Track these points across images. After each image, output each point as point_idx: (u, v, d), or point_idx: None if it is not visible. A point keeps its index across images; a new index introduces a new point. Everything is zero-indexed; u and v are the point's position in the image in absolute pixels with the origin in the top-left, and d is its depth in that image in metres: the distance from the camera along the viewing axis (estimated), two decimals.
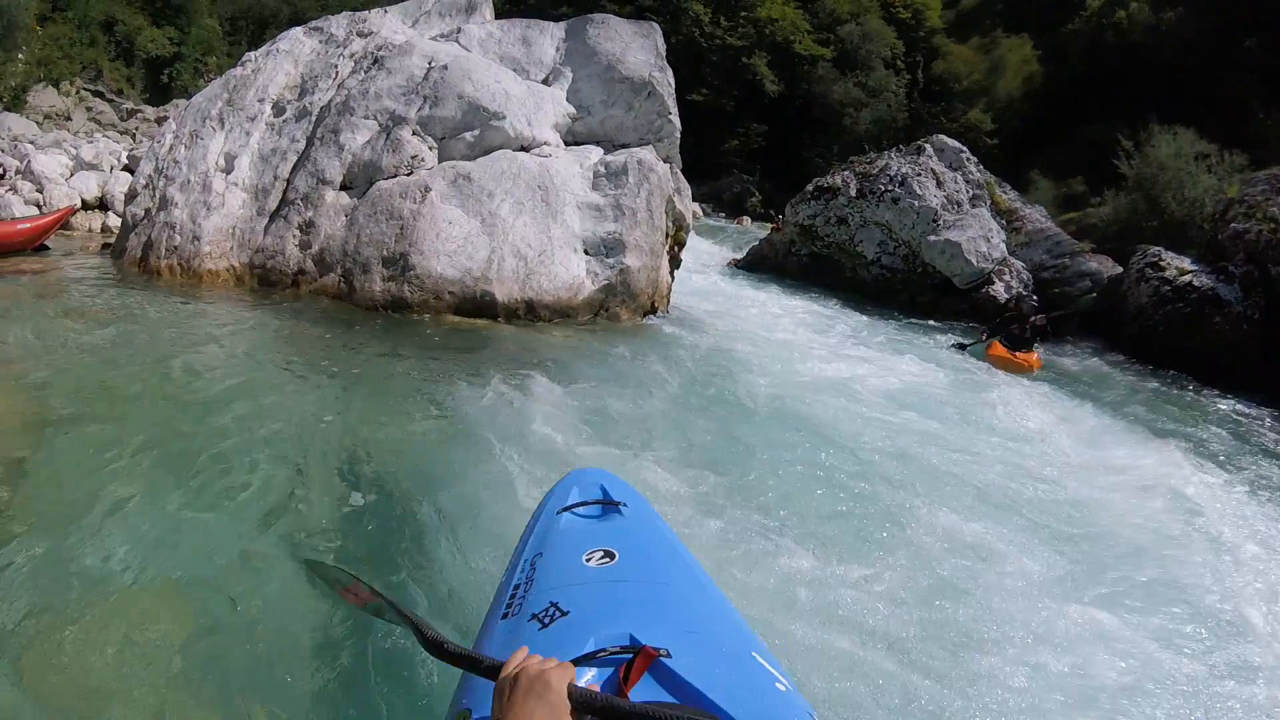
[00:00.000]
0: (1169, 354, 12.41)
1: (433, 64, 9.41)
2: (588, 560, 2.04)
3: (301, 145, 9.67)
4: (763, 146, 35.63)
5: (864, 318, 12.68)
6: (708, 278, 14.42)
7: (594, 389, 6.23)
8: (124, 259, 9.94)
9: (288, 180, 9.49)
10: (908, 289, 15.20)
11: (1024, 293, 14.15)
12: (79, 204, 14.97)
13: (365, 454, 4.75)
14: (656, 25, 10.42)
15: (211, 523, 3.80)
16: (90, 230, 14.75)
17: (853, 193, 15.79)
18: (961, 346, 11.27)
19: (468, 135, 9.05)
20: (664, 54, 10.09)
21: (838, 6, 36.89)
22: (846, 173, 16.38)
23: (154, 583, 3.28)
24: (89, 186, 15.71)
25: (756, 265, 17.50)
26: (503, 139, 9.09)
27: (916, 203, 14.90)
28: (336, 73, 10.26)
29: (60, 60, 30.55)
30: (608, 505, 2.47)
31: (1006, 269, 14.89)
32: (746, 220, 30.23)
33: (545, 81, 10.03)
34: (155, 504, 3.88)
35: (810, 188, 16.79)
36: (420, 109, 9.09)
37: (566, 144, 9.70)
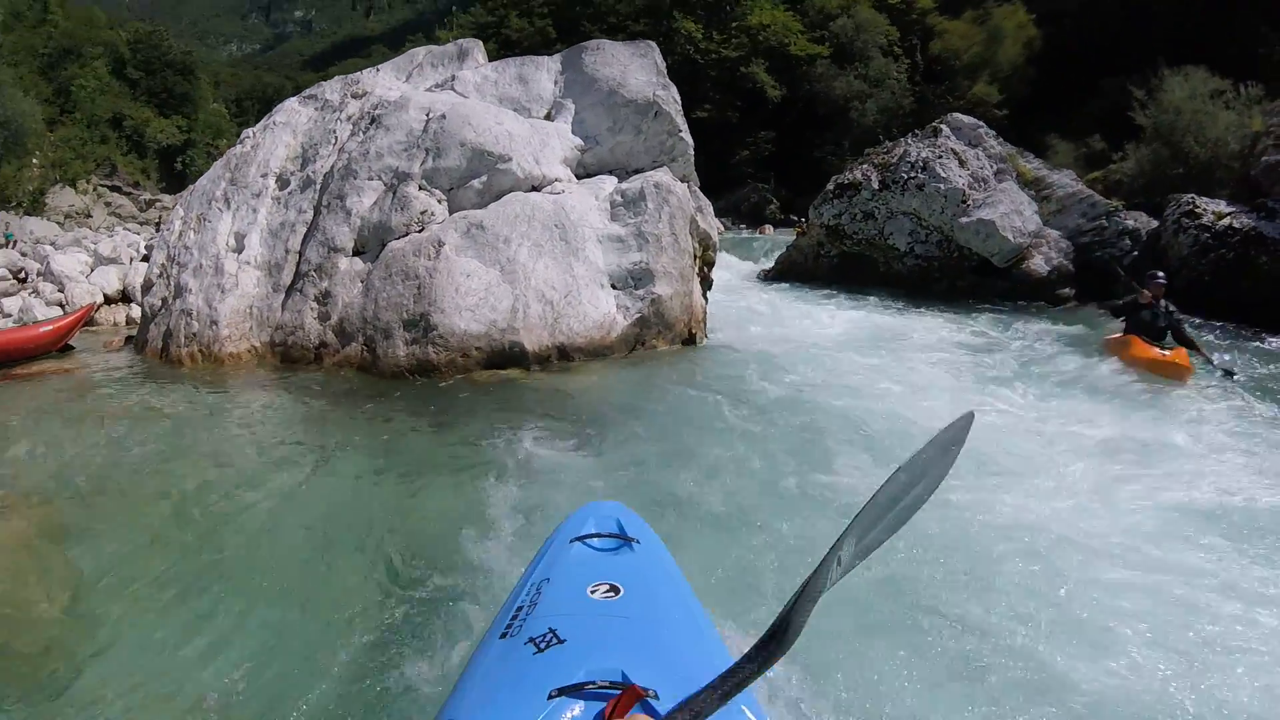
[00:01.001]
0: (1220, 303, 11.66)
1: (430, 115, 9.01)
2: (592, 592, 2.02)
3: (309, 215, 9.32)
4: (773, 152, 35.10)
5: (914, 314, 12.00)
6: (740, 293, 13.85)
7: (636, 443, 5.72)
8: (146, 351, 9.66)
9: (300, 252, 9.13)
10: (946, 275, 14.55)
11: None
12: (100, 300, 14.82)
13: (399, 539, 4.33)
14: (653, 44, 9.97)
15: (246, 625, 3.50)
16: (115, 324, 14.56)
17: (875, 185, 15.23)
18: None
19: (475, 182, 8.61)
20: (665, 71, 9.63)
21: (827, 2, 36.33)
22: (866, 166, 15.83)
23: (185, 691, 3.07)
24: (109, 280, 15.55)
25: (786, 273, 16.93)
26: (512, 181, 8.64)
27: (942, 186, 14.29)
28: (336, 138, 9.92)
29: (74, 160, 31.00)
30: (621, 539, 2.42)
31: (1043, 240, 14.26)
32: (769, 229, 29.65)
33: (548, 117, 9.59)
34: (185, 612, 3.63)
35: (831, 186, 16.24)
36: (424, 162, 8.67)
37: (578, 177, 9.24)
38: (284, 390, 7.57)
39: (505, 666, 1.71)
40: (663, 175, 8.93)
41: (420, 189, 8.58)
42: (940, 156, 14.69)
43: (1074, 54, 28.39)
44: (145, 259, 16.31)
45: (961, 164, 14.61)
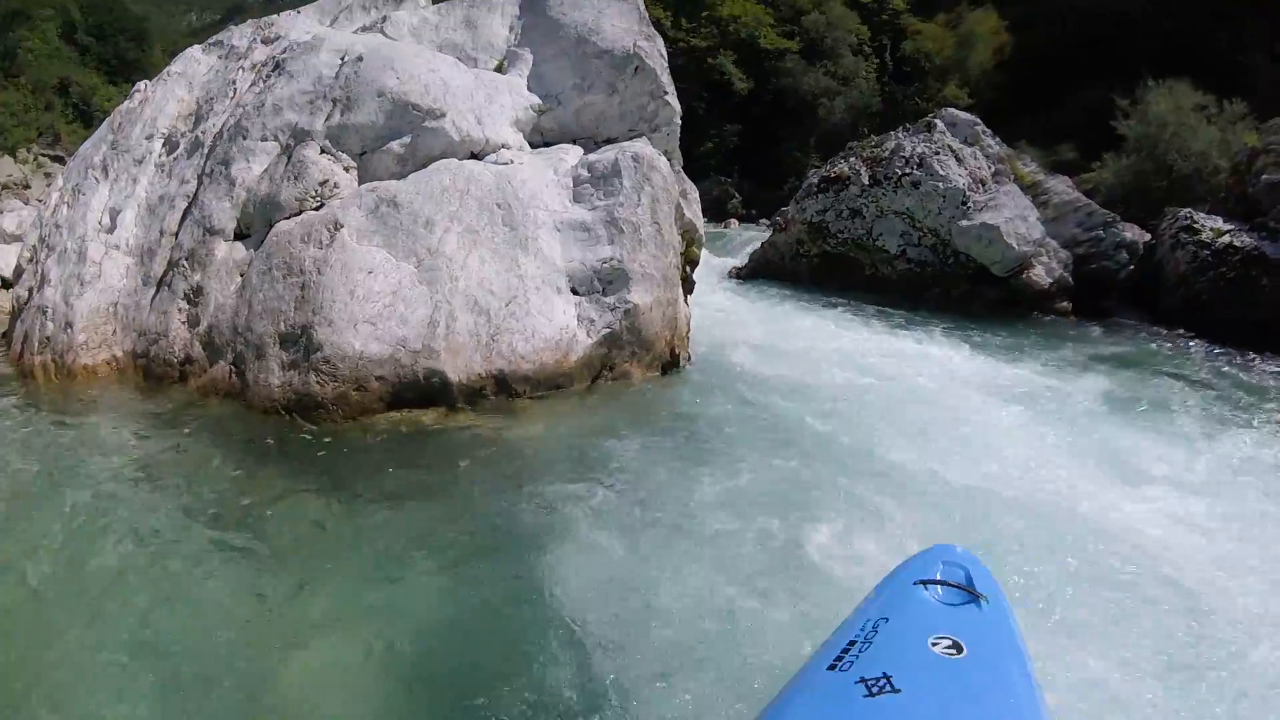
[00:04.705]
0: (1218, 323, 10.41)
1: (345, 58, 6.48)
2: (933, 645, 1.81)
3: (192, 186, 6.83)
4: (738, 146, 32.66)
5: (931, 330, 9.69)
6: (715, 295, 11.46)
7: (613, 566, 3.32)
8: (10, 354, 7.25)
9: (175, 234, 6.63)
10: (940, 282, 12.35)
11: None
12: None
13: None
14: None
15: None
16: (3, 311, 11.97)
17: (865, 181, 12.94)
18: None
19: (395, 145, 6.05)
20: (649, 20, 7.17)
21: None
22: (854, 159, 13.52)
23: None
24: (8, 261, 12.88)
25: (760, 272, 14.56)
26: (444, 144, 6.09)
27: (941, 185, 12.06)
28: (235, 89, 7.40)
29: (15, 128, 27.74)
30: (968, 593, 2.11)
31: (1043, 250, 12.20)
32: (734, 223, 27.48)
33: (499, 69, 7.05)
34: None
35: (815, 180, 13.96)
36: (329, 117, 6.12)
37: (534, 145, 6.70)
38: (121, 428, 5.18)
39: (832, 702, 1.60)
40: (643, 146, 6.43)
41: (322, 152, 6.03)
42: (937, 153, 12.47)
43: (1044, 61, 26.56)
44: None
45: (959, 162, 12.42)
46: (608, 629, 2.81)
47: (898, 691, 1.57)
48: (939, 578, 2.20)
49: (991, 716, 1.60)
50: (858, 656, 1.75)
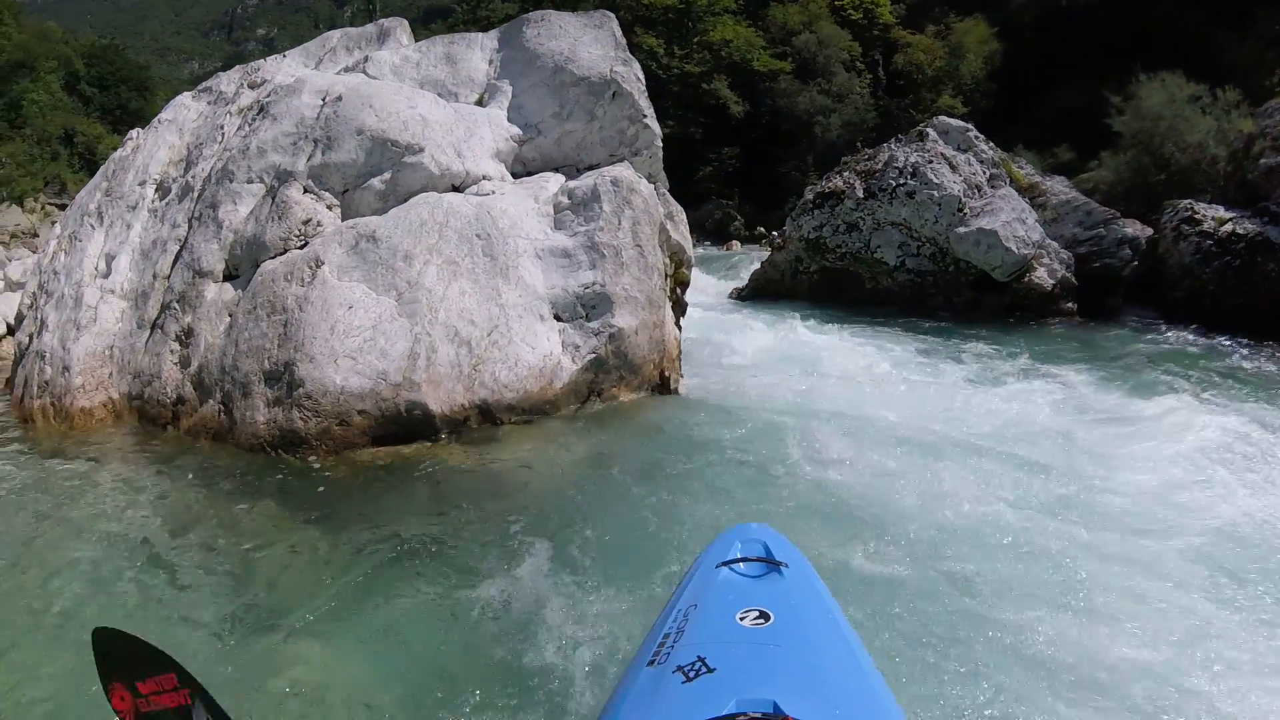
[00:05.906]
0: (1227, 313, 10.38)
1: (325, 99, 6.55)
2: (741, 619, 1.88)
3: (184, 230, 6.89)
4: (737, 169, 32.80)
5: (930, 340, 9.56)
6: (715, 316, 11.42)
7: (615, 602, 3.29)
8: (13, 398, 7.32)
9: (167, 277, 6.70)
10: (941, 291, 12.32)
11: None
12: (1, 330, 12.42)
13: None
14: (610, 14, 7.54)
15: None
16: (3, 358, 12.15)
17: (860, 194, 12.93)
18: None
19: (376, 182, 6.11)
20: (625, 46, 7.23)
21: (789, 19, 33.96)
22: (847, 173, 13.51)
23: None
24: (13, 308, 13.06)
25: (762, 292, 14.53)
26: (424, 179, 6.15)
27: (935, 193, 12.06)
28: (223, 134, 7.48)
29: (22, 178, 28.07)
30: (769, 564, 2.22)
31: (1044, 251, 12.13)
32: (736, 244, 27.53)
33: (479, 103, 7.11)
34: None
35: (810, 196, 13.94)
36: (311, 157, 6.18)
37: (515, 175, 6.76)
38: (113, 471, 5.15)
39: (653, 697, 1.62)
40: (623, 170, 6.48)
41: (305, 192, 6.09)
42: (931, 162, 12.46)
43: (1034, 66, 26.63)
44: None
45: (953, 169, 12.40)
46: (555, 656, 2.80)
47: (713, 671, 1.60)
48: (739, 556, 2.27)
49: (803, 670, 1.66)
50: (673, 647, 1.79)
